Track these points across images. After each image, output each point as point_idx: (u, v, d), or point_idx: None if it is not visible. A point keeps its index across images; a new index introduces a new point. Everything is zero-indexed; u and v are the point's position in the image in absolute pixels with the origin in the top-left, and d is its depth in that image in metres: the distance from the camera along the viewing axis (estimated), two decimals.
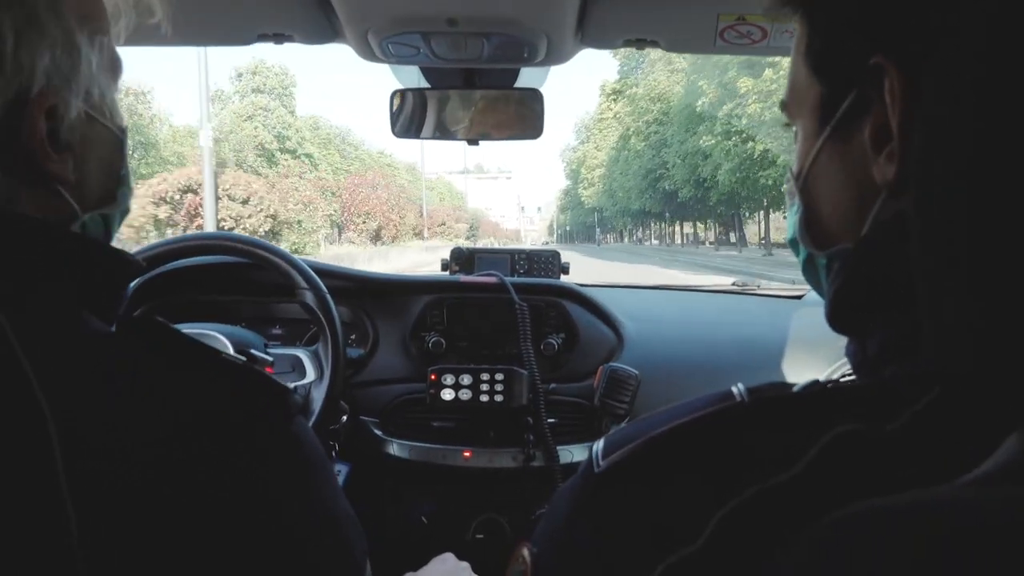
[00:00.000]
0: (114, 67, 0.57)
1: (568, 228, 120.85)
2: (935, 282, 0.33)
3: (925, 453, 0.35)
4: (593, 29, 1.13)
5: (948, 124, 0.32)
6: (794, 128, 0.50)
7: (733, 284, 2.08)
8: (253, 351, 1.23)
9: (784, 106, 0.51)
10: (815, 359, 1.51)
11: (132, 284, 1.36)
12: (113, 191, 0.59)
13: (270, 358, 1.18)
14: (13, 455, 0.40)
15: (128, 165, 0.61)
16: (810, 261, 0.50)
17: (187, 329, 1.34)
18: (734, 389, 0.44)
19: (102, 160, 0.57)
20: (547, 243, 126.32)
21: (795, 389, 0.43)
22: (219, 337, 1.31)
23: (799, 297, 1.91)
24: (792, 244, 0.51)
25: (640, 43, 1.18)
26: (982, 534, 0.26)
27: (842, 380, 0.44)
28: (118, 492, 0.43)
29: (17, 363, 0.42)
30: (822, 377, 1.26)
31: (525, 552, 0.49)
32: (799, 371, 1.51)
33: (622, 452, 0.43)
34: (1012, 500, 0.27)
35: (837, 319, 0.46)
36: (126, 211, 0.61)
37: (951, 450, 0.34)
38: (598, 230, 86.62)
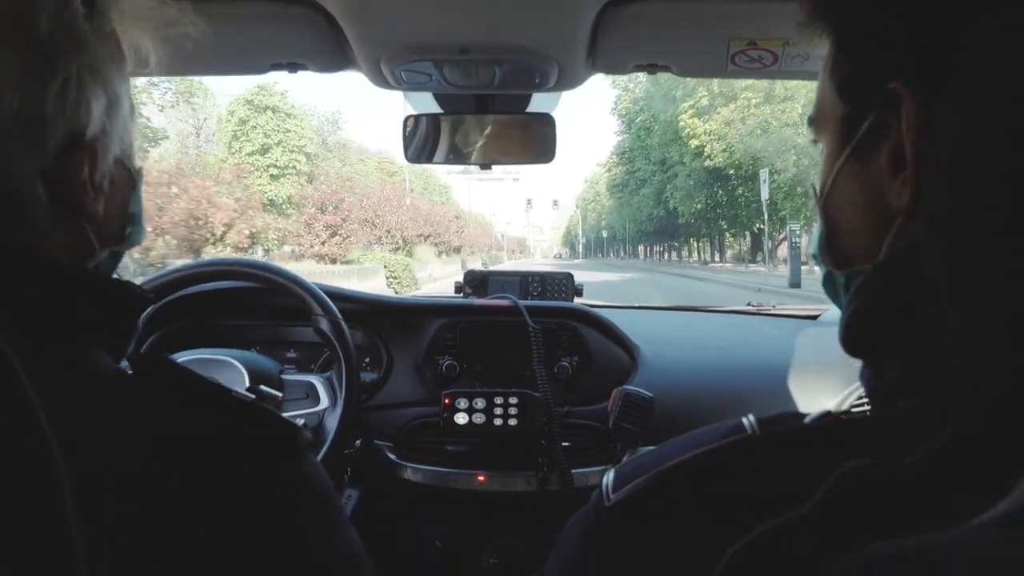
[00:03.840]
0: (133, 112, 0.59)
1: (605, 234, 78.49)
2: (955, 311, 0.33)
3: (939, 490, 0.34)
4: (604, 55, 1.14)
5: (966, 153, 0.32)
6: (820, 145, 0.50)
7: (748, 305, 2.07)
8: (262, 387, 1.24)
9: (811, 122, 0.51)
10: (831, 381, 1.50)
11: (145, 312, 1.37)
12: (125, 230, 0.61)
13: (279, 393, 1.18)
14: (23, 496, 0.40)
15: (141, 204, 0.62)
16: (830, 278, 0.50)
17: (203, 355, 1.35)
18: (745, 421, 0.43)
19: (121, 201, 0.59)
20: (559, 256, 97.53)
21: (807, 420, 0.42)
22: (235, 364, 1.31)
23: (814, 317, 1.90)
24: (815, 259, 0.51)
25: (652, 68, 1.18)
26: None
27: (855, 411, 0.44)
28: (129, 537, 0.43)
29: (28, 404, 0.42)
30: (838, 399, 1.25)
31: None
32: (815, 393, 1.50)
33: (632, 486, 0.43)
34: None
35: (851, 343, 0.46)
36: (135, 246, 0.63)
37: (966, 488, 0.33)
38: (798, 232, 19.36)
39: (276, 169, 32.66)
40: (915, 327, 0.40)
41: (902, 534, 0.29)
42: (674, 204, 40.01)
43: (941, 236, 0.34)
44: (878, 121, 0.42)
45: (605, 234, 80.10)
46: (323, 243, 23.42)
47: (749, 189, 31.58)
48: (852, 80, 0.44)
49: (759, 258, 36.60)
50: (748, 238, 40.12)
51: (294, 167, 32.96)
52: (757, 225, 33.42)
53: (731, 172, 31.82)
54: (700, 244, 53.07)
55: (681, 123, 33.12)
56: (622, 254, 79.07)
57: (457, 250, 40.24)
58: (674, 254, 59.50)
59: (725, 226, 38.73)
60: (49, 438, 0.42)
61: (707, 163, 31.92)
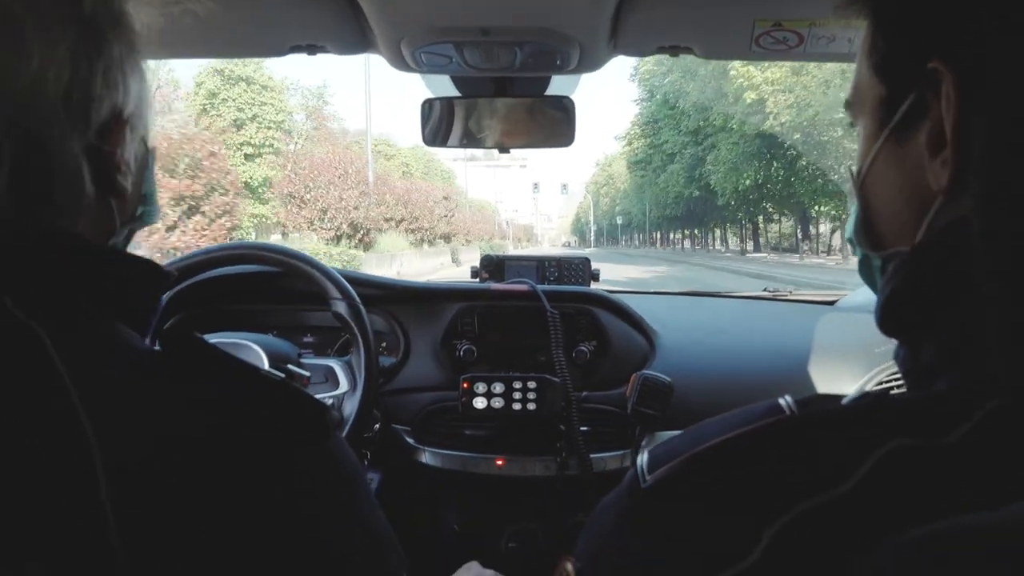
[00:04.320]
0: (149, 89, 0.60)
1: (620, 220, 71.27)
2: (1005, 289, 0.33)
3: (983, 469, 0.34)
4: (626, 37, 1.13)
5: (1006, 133, 0.32)
6: (856, 128, 0.50)
7: (764, 290, 2.06)
8: (290, 366, 1.24)
9: (848, 105, 0.51)
10: (850, 366, 1.49)
11: (165, 295, 1.38)
12: (139, 208, 0.61)
13: (307, 372, 1.18)
14: (56, 473, 0.40)
15: (154, 182, 0.63)
16: (866, 261, 0.50)
17: (221, 339, 1.35)
18: (782, 402, 0.43)
19: (140, 178, 0.59)
20: (567, 244, 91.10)
21: (845, 401, 0.42)
22: (254, 347, 1.31)
23: (832, 303, 1.89)
24: (850, 243, 0.51)
25: (674, 50, 1.17)
26: None
27: (893, 391, 0.44)
28: (160, 511, 0.43)
29: (62, 383, 0.42)
30: (857, 385, 1.24)
31: (569, 567, 0.49)
32: (834, 379, 1.49)
33: (670, 466, 0.43)
34: None
35: (888, 323, 0.46)
36: (148, 225, 0.63)
37: (1011, 466, 0.33)
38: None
39: (251, 147, 28.57)
40: (954, 307, 0.40)
41: (944, 513, 0.29)
42: (715, 181, 31.20)
43: (982, 215, 0.34)
44: (917, 101, 0.42)
45: (620, 220, 71.69)
46: (170, 227, 13.63)
47: (815, 159, 24.65)
48: (890, 61, 0.44)
49: (805, 247, 31.18)
50: (795, 223, 33.44)
51: (271, 145, 28.68)
52: (818, 207, 26.71)
53: (796, 137, 23.65)
54: (725, 231, 46.37)
55: (732, 73, 24.59)
56: (636, 242, 71.76)
57: (447, 238, 31.75)
58: (692, 242, 52.67)
59: (771, 208, 31.86)
60: (83, 418, 0.42)
61: (766, 124, 23.86)
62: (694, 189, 36.71)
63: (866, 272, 0.50)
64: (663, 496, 0.43)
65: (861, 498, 0.35)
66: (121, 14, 0.52)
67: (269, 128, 28.95)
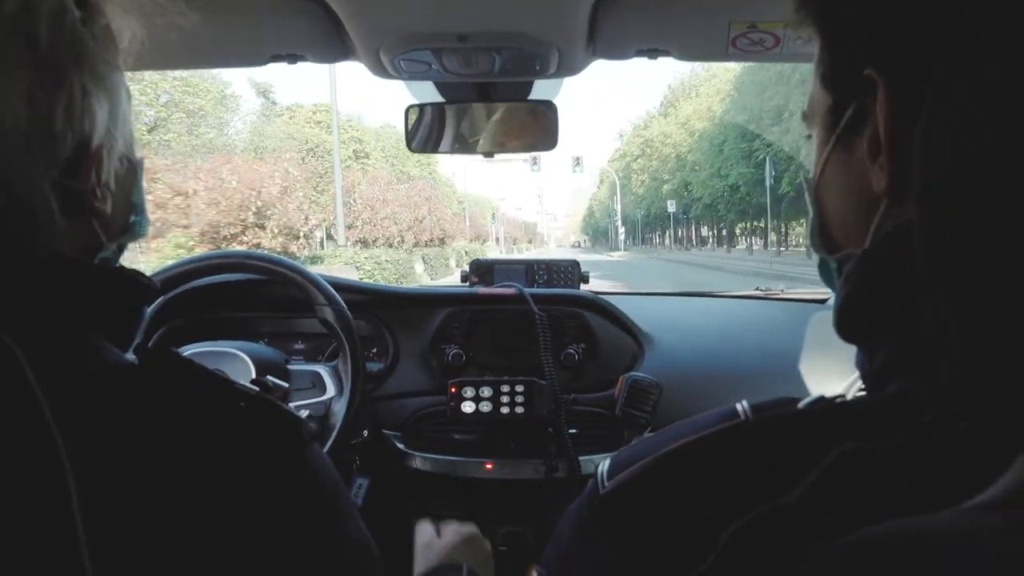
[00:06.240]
0: (130, 99, 0.59)
1: (672, 207, 47.73)
2: (942, 296, 0.33)
3: (929, 473, 0.34)
4: (604, 41, 1.13)
5: (959, 136, 0.32)
6: (812, 138, 0.51)
7: (756, 289, 2.06)
8: (268, 378, 1.25)
9: (804, 117, 0.52)
10: (839, 364, 1.49)
11: (153, 305, 1.39)
12: (130, 222, 0.61)
13: (285, 384, 1.19)
14: (28, 493, 0.41)
15: (143, 194, 0.62)
16: (824, 265, 0.50)
17: (209, 347, 1.36)
18: (738, 407, 0.44)
19: (126, 194, 0.59)
20: (577, 245, 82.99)
21: (800, 405, 0.42)
22: (241, 355, 1.32)
23: (823, 301, 1.88)
24: (811, 247, 0.52)
25: (652, 52, 1.17)
26: (984, 566, 0.25)
27: (850, 395, 0.45)
28: (133, 531, 0.43)
29: (33, 399, 0.42)
30: (847, 383, 1.24)
31: (535, 574, 0.49)
32: (824, 377, 1.49)
33: (627, 473, 0.44)
34: (1016, 530, 0.27)
35: (844, 327, 0.46)
36: (140, 237, 0.63)
37: (956, 470, 0.34)
38: None
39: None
40: (901, 311, 0.40)
41: (893, 517, 0.29)
42: None
43: (921, 218, 0.34)
44: (859, 109, 0.43)
45: (671, 207, 48.37)
46: None
47: None
48: (834, 71, 0.45)
49: None
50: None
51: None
52: None
53: None
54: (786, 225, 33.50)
55: None
56: (669, 243, 54.02)
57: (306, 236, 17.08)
58: (748, 240, 41.71)
59: None
60: (54, 434, 0.42)
61: None
62: None
63: (825, 275, 0.51)
64: (622, 501, 0.43)
65: (812, 502, 0.35)
66: (81, 47, 0.50)
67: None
